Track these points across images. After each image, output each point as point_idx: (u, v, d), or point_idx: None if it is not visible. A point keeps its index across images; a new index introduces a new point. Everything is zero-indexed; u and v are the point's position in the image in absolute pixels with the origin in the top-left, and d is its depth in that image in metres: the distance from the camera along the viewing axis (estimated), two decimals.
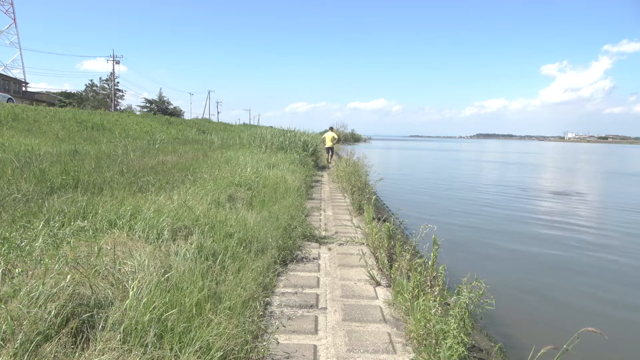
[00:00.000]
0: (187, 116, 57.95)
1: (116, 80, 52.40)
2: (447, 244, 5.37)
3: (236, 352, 2.50)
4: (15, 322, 2.11)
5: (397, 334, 3.16)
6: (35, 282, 2.43)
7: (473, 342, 3.17)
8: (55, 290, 2.38)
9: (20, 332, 2.08)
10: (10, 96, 28.79)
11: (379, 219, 6.67)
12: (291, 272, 4.44)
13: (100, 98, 52.13)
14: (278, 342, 2.89)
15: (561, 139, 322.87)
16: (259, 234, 4.66)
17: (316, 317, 3.38)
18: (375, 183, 9.53)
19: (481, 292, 2.89)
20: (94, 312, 2.42)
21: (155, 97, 58.27)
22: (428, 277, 3.49)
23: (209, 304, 2.82)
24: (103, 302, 2.54)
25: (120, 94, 56.06)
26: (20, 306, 2.20)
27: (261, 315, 3.24)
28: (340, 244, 5.64)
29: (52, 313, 2.23)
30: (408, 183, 18.04)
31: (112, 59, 50.67)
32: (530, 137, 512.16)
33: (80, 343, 2.19)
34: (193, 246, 3.67)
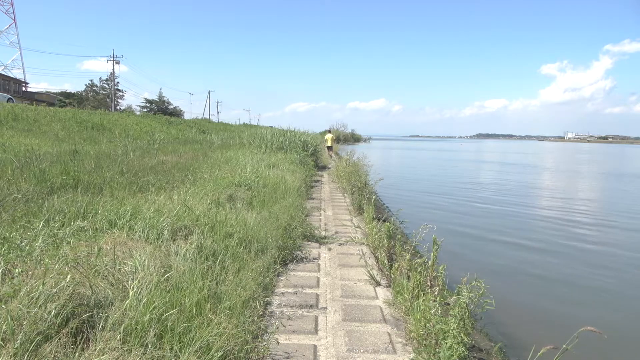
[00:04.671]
0: (187, 116, 58.00)
1: (116, 80, 52.49)
2: (447, 244, 5.37)
3: (236, 352, 2.50)
4: (15, 322, 2.11)
5: (397, 334, 3.16)
6: (35, 282, 2.43)
7: (473, 342, 3.17)
8: (55, 290, 2.38)
9: (20, 332, 2.08)
10: (10, 96, 28.77)
11: (379, 219, 6.67)
12: (291, 272, 4.44)
13: (100, 98, 52.12)
14: (278, 342, 2.89)
15: (561, 139, 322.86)
16: (259, 234, 4.66)
17: (316, 317, 3.38)
18: (375, 183, 9.53)
19: (481, 292, 2.89)
20: (94, 312, 2.42)
21: (155, 97, 58.33)
22: (428, 277, 3.49)
23: (209, 304, 2.82)
24: (103, 302, 2.54)
25: (120, 94, 56.13)
26: (20, 306, 2.20)
27: (261, 315, 3.24)
28: (340, 244, 5.64)
29: (52, 313, 2.23)
30: (408, 183, 18.04)
31: (112, 59, 50.70)
32: (530, 137, 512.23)
33: (80, 343, 2.19)
34: (193, 246, 3.67)
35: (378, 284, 4.18)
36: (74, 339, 2.21)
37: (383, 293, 3.97)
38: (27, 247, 3.17)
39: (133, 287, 2.60)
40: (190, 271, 3.17)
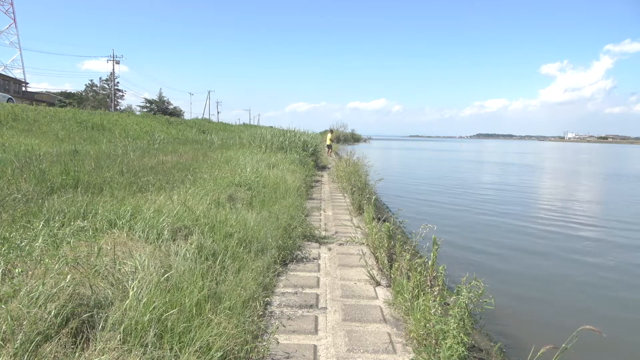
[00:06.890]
0: (187, 116, 58.02)
1: (116, 80, 52.50)
2: (447, 244, 5.37)
3: (236, 352, 2.51)
4: (15, 322, 2.11)
5: (397, 334, 3.16)
6: (35, 282, 2.43)
7: (473, 342, 3.17)
8: (55, 290, 2.38)
9: (20, 332, 2.08)
10: (10, 96, 28.75)
11: (379, 219, 6.67)
12: (291, 272, 4.44)
13: (100, 98, 52.12)
14: (278, 342, 2.89)
15: (561, 139, 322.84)
16: (259, 234, 4.66)
17: (316, 317, 3.38)
18: (375, 183, 9.53)
19: (480, 291, 2.89)
20: (94, 312, 2.42)
21: (155, 97, 58.37)
22: (428, 277, 3.50)
23: (209, 304, 2.82)
24: (103, 302, 2.54)
25: (120, 94, 56.14)
26: (20, 306, 2.20)
27: (261, 315, 3.24)
28: (340, 244, 5.64)
29: (52, 313, 2.23)
30: (408, 183, 18.04)
31: (112, 59, 50.71)
32: (530, 137, 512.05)
33: (80, 343, 2.20)
34: (193, 246, 3.67)
35: (378, 284, 4.19)
36: (74, 339, 2.21)
37: (383, 293, 3.97)
38: (27, 247, 3.17)
39: (133, 287, 2.60)
40: (190, 271, 3.17)
